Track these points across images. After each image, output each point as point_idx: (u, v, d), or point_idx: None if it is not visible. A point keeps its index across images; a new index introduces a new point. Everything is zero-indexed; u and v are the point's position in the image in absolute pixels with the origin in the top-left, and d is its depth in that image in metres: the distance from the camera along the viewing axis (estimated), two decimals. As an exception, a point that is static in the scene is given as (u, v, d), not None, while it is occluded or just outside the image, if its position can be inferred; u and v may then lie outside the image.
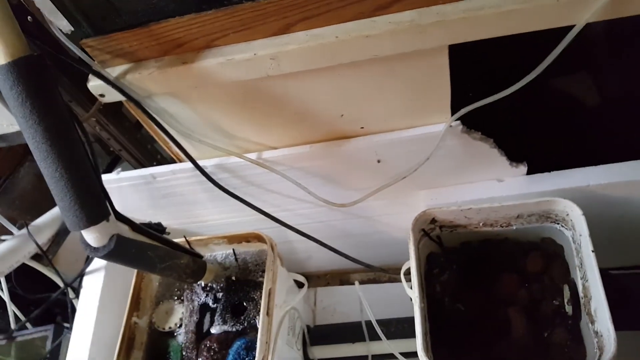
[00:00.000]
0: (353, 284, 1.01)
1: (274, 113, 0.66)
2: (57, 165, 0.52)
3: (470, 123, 0.65)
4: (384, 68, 0.57)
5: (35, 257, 0.95)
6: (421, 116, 0.64)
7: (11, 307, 0.98)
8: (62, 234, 0.93)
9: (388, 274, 0.89)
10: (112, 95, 0.63)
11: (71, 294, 0.96)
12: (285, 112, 0.65)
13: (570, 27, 0.50)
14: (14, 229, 0.91)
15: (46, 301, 0.98)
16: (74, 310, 0.95)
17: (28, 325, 1.02)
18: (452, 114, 0.63)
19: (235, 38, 0.57)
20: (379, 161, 0.69)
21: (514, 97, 0.59)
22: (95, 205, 0.55)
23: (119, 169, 0.78)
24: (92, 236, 0.56)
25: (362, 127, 0.67)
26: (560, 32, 0.52)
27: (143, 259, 0.64)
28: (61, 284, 0.95)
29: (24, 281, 1.03)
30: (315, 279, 0.83)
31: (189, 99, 0.65)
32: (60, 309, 1.11)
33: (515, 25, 0.50)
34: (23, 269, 0.94)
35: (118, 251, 0.58)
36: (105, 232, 0.57)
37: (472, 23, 0.50)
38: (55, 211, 0.93)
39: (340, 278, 1.00)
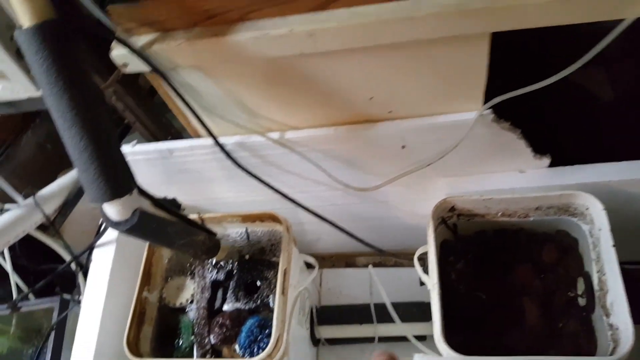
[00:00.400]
0: (358, 266, 1.00)
1: (302, 92, 0.63)
2: (82, 135, 0.49)
3: (499, 112, 0.63)
4: (422, 52, 0.55)
5: (40, 228, 0.92)
6: (452, 103, 0.62)
7: (14, 278, 0.95)
8: (69, 205, 0.90)
9: (399, 259, 0.88)
10: (136, 66, 0.59)
11: (74, 267, 0.93)
12: (313, 92, 0.62)
13: (618, 22, 0.49)
14: (19, 198, 0.87)
15: (49, 273, 0.95)
16: (77, 282, 0.93)
17: (29, 296, 0.99)
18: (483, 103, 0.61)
19: (271, 12, 0.53)
20: (403, 147, 0.67)
21: (544, 89, 0.58)
22: (120, 178, 0.53)
23: (135, 141, 0.75)
24: (114, 210, 0.54)
25: (390, 112, 0.64)
26: (604, 26, 0.50)
27: (163, 234, 0.62)
28: (66, 256, 0.93)
29: (26, 252, 1.00)
30: (320, 261, 0.82)
31: (215, 73, 0.61)
32: (60, 280, 1.08)
33: (564, 16, 0.48)
34: (23, 239, 0.91)
35: (140, 226, 0.56)
36: (128, 206, 0.54)
37: (520, 11, 0.48)
38: (62, 181, 0.90)
39: (346, 260, 0.99)
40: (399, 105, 0.63)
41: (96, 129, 0.50)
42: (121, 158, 0.53)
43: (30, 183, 0.99)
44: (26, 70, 0.63)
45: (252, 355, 0.68)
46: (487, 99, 0.61)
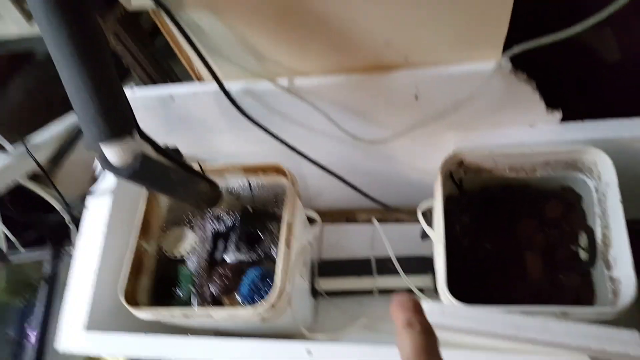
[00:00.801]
0: (359, 222, 0.99)
1: (316, 34, 0.59)
2: (81, 71, 0.46)
3: (514, 63, 0.61)
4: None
5: (31, 178, 0.88)
6: (471, 50, 0.59)
7: (2, 228, 0.92)
8: (61, 153, 0.86)
9: (403, 214, 0.88)
10: (140, 1, 0.55)
11: (66, 217, 0.90)
12: (328, 34, 0.59)
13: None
14: (8, 146, 0.83)
15: (40, 224, 0.92)
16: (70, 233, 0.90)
17: (19, 247, 0.96)
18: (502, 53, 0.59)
19: (288, -56, 0.50)
20: (416, 98, 0.65)
21: (558, 45, 0.56)
22: (120, 118, 0.50)
23: (133, 85, 0.71)
24: (115, 153, 0.51)
25: (406, 58, 0.62)
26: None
27: (165, 181, 0.60)
28: (58, 207, 0.89)
29: (14, 202, 0.97)
30: (321, 216, 0.81)
31: (224, 12, 0.57)
32: (50, 233, 1.06)
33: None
34: (12, 189, 0.87)
35: (142, 171, 0.53)
36: (129, 149, 0.52)
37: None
38: (55, 129, 0.86)
39: (347, 216, 0.98)
40: (416, 51, 0.60)
41: (97, 63, 0.46)
42: (122, 97, 0.50)
43: (17, 132, 0.94)
44: (18, 3, 0.58)
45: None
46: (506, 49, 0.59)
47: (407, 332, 0.33)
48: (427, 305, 0.52)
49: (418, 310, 0.34)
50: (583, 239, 0.68)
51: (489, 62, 0.60)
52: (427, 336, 0.33)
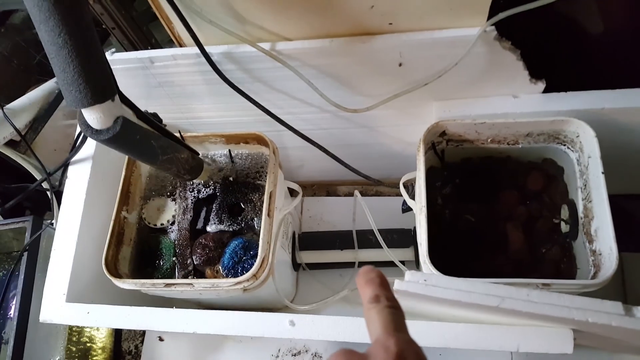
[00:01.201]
0: (339, 195, 0.97)
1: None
2: (61, 29, 0.43)
3: (499, 32, 0.59)
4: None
5: (9, 145, 0.84)
6: (456, 16, 0.56)
7: (-20, 198, 0.88)
8: (40, 120, 0.82)
9: (385, 186, 0.86)
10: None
11: (45, 186, 0.87)
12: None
13: None
14: (-16, 112, 0.79)
15: (19, 193, 0.88)
16: (50, 202, 0.87)
17: (-3, 216, 0.92)
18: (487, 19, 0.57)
19: None
20: (400, 65, 0.62)
21: (542, 16, 0.54)
22: (102, 81, 0.47)
23: (113, 49, 0.67)
24: (95, 116, 0.48)
25: (391, 23, 0.58)
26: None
27: (146, 147, 0.57)
28: (37, 175, 0.86)
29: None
30: (302, 189, 0.79)
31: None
32: (30, 202, 1.02)
33: None
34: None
35: (123, 136, 0.50)
36: (110, 113, 0.48)
37: None
38: (33, 94, 0.81)
39: (327, 189, 0.96)
40: (401, 16, 0.57)
41: (77, 22, 0.43)
42: (103, 59, 0.47)
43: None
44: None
45: (235, 276, 0.66)
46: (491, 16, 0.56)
47: (374, 307, 0.31)
48: (409, 274, 0.50)
49: (384, 284, 0.33)
50: (564, 212, 0.67)
51: (474, 28, 0.57)
52: (395, 311, 0.31)
